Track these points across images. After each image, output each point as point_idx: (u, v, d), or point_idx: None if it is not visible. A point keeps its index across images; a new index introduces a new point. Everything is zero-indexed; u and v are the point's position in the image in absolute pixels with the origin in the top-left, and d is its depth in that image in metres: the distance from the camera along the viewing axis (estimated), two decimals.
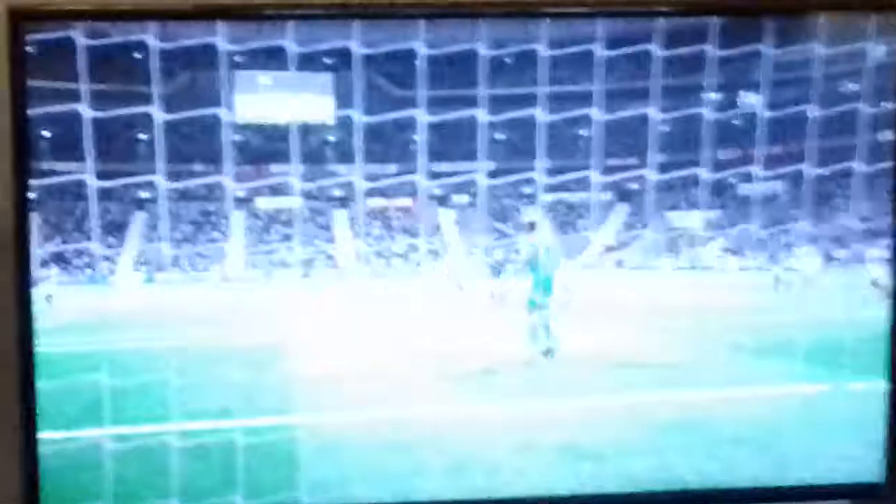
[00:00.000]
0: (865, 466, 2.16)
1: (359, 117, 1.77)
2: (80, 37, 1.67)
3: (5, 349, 1.65)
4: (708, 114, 1.87)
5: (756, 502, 2.18)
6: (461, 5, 1.84)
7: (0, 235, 1.63)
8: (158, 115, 1.68)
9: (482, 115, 1.83)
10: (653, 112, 1.94)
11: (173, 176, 1.73)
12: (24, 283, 1.61)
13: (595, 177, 2.06)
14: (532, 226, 2.21)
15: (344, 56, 1.80)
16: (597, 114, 1.93)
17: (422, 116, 1.81)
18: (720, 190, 3.30)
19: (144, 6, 1.74)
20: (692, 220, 3.15)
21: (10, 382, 1.68)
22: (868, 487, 2.15)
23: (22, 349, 1.65)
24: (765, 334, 2.40)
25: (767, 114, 1.89)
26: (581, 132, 2.77)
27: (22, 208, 1.58)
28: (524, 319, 2.25)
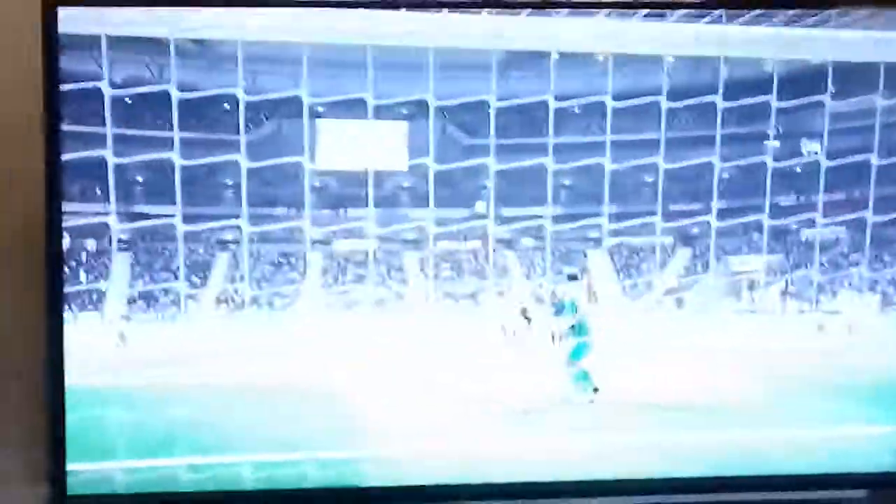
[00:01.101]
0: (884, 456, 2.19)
1: (432, 164, 1.86)
2: (175, 91, 1.81)
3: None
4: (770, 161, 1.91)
5: (773, 490, 2.17)
6: None
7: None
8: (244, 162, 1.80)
9: (550, 162, 1.90)
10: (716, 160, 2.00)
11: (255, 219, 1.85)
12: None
13: (658, 222, 2.08)
14: (573, 277, 2.17)
15: (420, 106, 1.90)
16: (661, 162, 1.98)
17: (492, 164, 1.88)
18: (781, 235, 3.17)
19: None
20: (753, 263, 2.99)
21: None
22: (885, 477, 2.16)
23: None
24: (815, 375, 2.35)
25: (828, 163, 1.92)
26: (647, 178, 2.72)
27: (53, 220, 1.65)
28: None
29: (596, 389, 2.12)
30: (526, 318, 2.13)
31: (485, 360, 2.13)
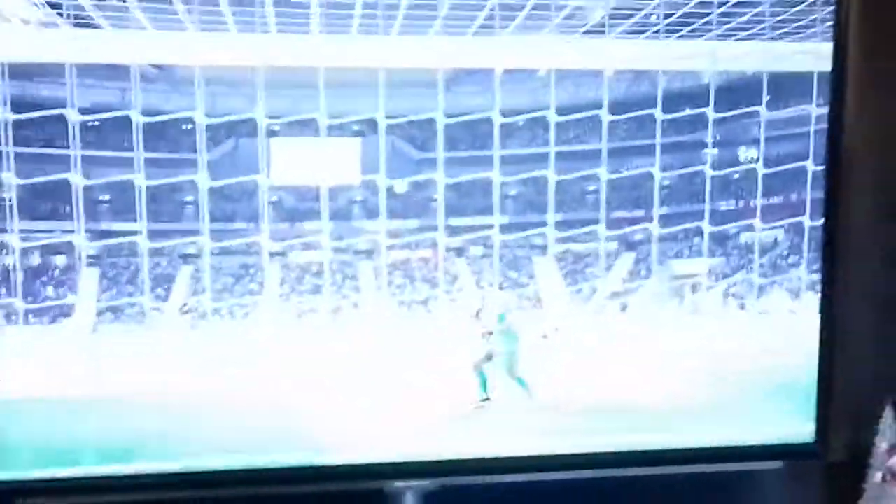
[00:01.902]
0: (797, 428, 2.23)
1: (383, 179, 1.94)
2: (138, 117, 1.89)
3: None
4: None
5: (689, 464, 2.22)
6: None
7: None
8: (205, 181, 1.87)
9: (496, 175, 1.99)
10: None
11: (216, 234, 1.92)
12: None
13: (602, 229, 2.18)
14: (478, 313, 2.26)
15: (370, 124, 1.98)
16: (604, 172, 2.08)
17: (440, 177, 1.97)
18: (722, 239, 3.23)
19: None
20: (696, 267, 3.02)
21: None
22: (799, 448, 2.23)
23: None
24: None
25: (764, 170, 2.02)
26: (590, 188, 2.77)
27: None
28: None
29: (487, 399, 2.26)
30: (479, 318, 2.27)
31: (437, 362, 2.20)
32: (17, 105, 1.81)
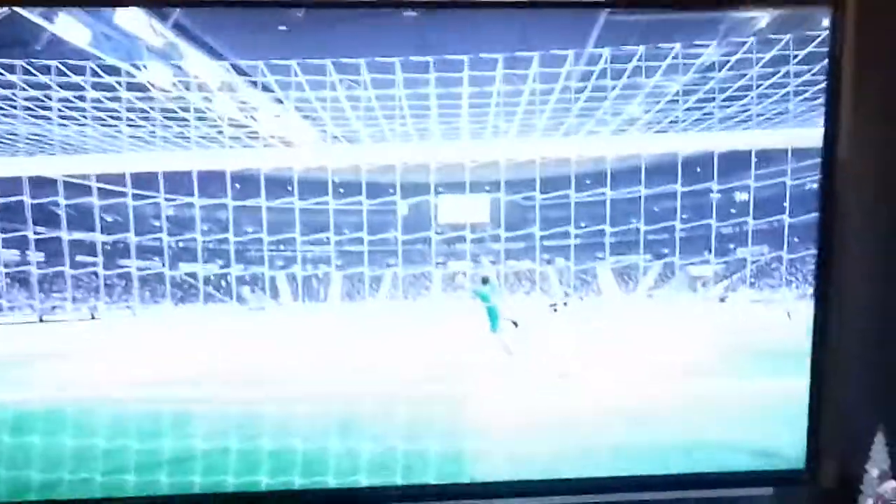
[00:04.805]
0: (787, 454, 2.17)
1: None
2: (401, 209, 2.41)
3: None
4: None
5: (679, 490, 2.18)
6: None
7: None
8: None
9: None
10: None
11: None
12: None
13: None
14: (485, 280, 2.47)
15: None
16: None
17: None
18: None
19: None
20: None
21: None
22: (790, 474, 2.19)
23: None
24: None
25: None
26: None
27: None
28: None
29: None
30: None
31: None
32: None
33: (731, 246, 2.61)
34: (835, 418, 2.24)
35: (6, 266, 2.27)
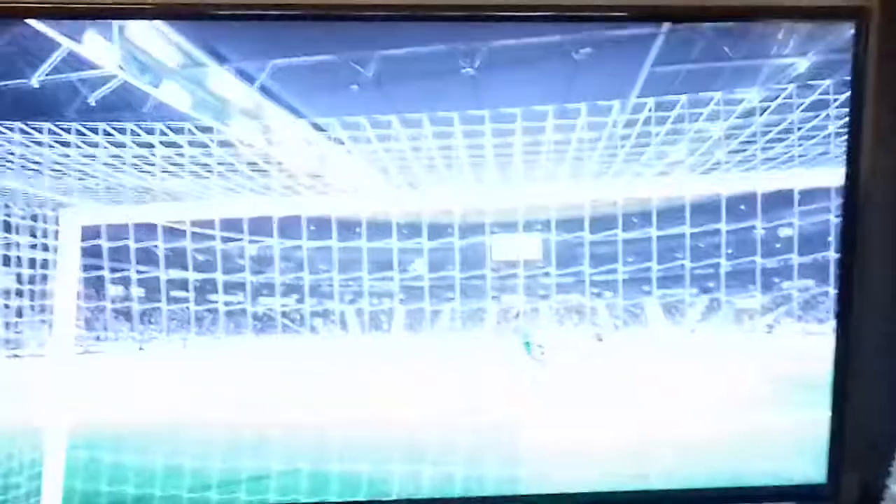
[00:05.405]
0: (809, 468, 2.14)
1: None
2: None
3: None
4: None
5: None
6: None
7: None
8: None
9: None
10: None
11: None
12: None
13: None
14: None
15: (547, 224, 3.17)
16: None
17: None
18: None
19: None
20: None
21: None
22: (811, 489, 2.18)
23: None
24: None
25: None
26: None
27: None
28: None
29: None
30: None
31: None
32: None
33: (777, 280, 2.64)
34: (857, 431, 2.25)
35: (113, 301, 2.59)
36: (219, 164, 2.65)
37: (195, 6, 2.26)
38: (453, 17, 2.30)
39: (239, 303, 2.72)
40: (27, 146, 2.61)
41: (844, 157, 2.39)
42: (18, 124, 2.59)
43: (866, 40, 2.26)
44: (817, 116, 2.53)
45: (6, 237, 2.63)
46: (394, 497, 2.30)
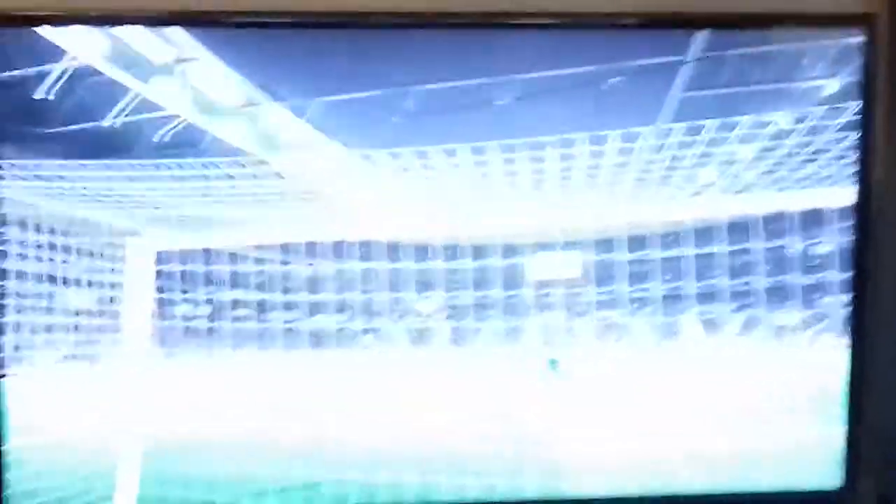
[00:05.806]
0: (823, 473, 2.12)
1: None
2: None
3: None
4: None
5: None
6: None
7: None
8: None
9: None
10: None
11: None
12: None
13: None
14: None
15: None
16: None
17: None
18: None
19: None
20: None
21: None
22: (826, 493, 2.16)
23: None
24: None
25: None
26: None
27: None
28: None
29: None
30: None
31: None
32: None
33: (816, 296, 2.69)
34: (874, 436, 2.22)
35: (184, 319, 2.83)
36: (272, 193, 2.85)
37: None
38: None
39: (295, 321, 2.91)
40: (103, 181, 2.83)
41: (855, 172, 2.41)
42: (93, 162, 2.80)
43: (874, 47, 2.26)
44: (847, 137, 2.62)
45: (90, 262, 2.88)
46: None
